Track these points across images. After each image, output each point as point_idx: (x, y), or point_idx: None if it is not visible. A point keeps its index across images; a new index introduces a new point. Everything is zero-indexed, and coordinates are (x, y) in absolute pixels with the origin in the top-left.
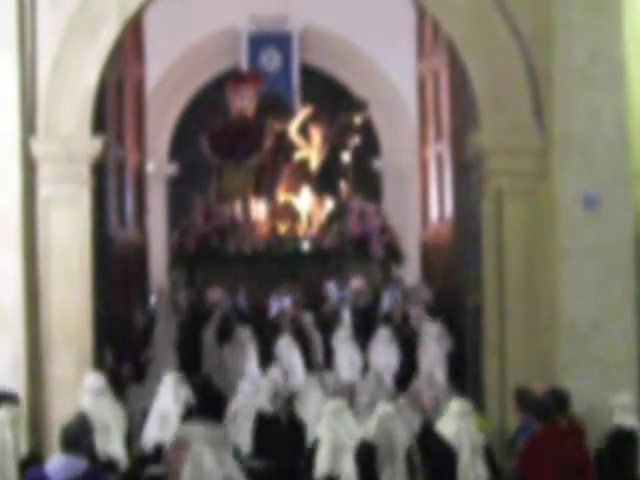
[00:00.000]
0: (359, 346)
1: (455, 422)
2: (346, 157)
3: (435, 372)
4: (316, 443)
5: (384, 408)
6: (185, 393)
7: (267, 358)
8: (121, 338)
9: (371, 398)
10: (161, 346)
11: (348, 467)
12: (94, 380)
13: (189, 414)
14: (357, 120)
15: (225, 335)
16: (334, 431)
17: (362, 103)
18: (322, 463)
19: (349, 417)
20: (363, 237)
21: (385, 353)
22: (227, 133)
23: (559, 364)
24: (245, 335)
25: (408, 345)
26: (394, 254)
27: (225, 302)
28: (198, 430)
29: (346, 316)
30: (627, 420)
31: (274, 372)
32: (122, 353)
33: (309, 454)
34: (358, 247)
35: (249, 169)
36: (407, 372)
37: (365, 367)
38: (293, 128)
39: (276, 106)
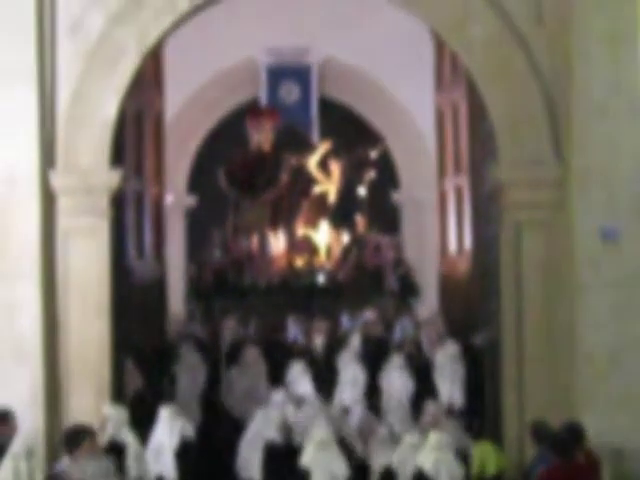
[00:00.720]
0: (368, 372)
1: (433, 454)
2: (362, 191)
3: (454, 394)
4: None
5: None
6: (180, 426)
7: (277, 381)
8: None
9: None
10: (185, 399)
11: None
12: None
13: (185, 446)
14: (373, 155)
15: (234, 359)
16: (320, 463)
17: (379, 137)
18: None
19: (334, 448)
20: (378, 270)
21: (400, 378)
22: (245, 167)
23: (578, 398)
24: (253, 354)
25: (422, 373)
26: (409, 287)
27: (235, 329)
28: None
29: (355, 342)
30: None
31: (279, 396)
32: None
33: None
34: (373, 280)
35: (266, 203)
36: (423, 398)
37: (375, 392)
38: (313, 162)
39: (293, 140)
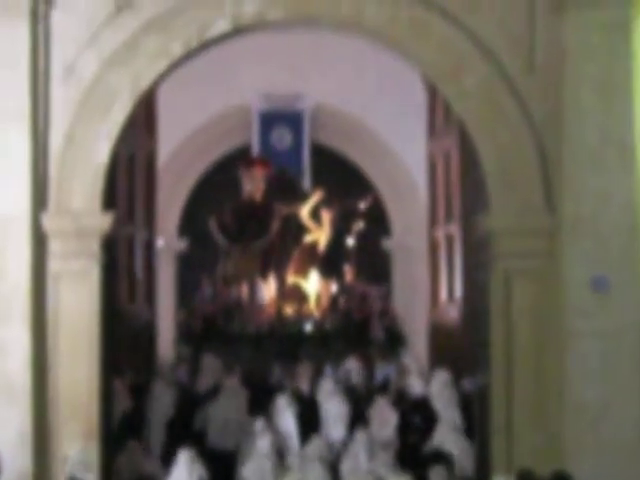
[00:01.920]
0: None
1: None
2: (351, 241)
3: (455, 418)
4: None
5: None
6: (198, 469)
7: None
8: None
9: None
10: (153, 425)
11: None
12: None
13: None
14: (362, 206)
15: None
16: None
17: (370, 185)
18: None
19: None
20: (365, 320)
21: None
22: (236, 217)
23: (567, 446)
24: (233, 383)
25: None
26: (394, 337)
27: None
28: None
29: (328, 372)
30: None
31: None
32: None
33: None
34: (360, 329)
35: (256, 252)
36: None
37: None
38: (305, 211)
39: (285, 188)
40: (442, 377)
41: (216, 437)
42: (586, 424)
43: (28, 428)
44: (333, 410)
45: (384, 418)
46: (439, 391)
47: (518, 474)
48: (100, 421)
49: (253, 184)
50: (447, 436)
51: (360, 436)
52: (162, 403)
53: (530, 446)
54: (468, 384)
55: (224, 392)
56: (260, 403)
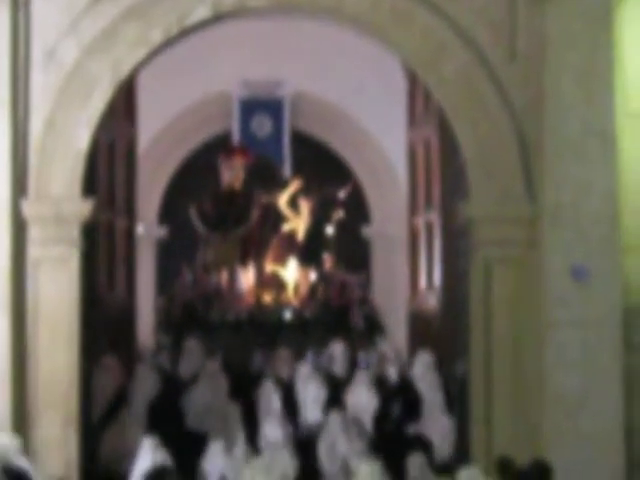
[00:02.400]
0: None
1: None
2: (330, 230)
3: (436, 401)
4: None
5: None
6: (161, 457)
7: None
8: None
9: None
10: (136, 406)
11: None
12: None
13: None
14: (341, 195)
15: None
16: None
17: (350, 173)
18: None
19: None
20: (344, 308)
21: (366, 394)
22: (215, 205)
23: (546, 435)
24: (213, 367)
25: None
26: (374, 325)
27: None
28: None
29: (309, 356)
30: None
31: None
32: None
33: None
34: (339, 318)
35: (236, 240)
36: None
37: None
38: (283, 200)
39: (264, 176)
40: (424, 359)
41: (195, 420)
42: (565, 413)
43: (7, 415)
44: (311, 393)
45: (361, 400)
46: (422, 374)
47: (497, 462)
48: (79, 408)
49: (233, 173)
50: (430, 419)
51: (335, 417)
52: (145, 386)
53: (509, 435)
54: (458, 370)
55: (204, 376)
56: (240, 389)
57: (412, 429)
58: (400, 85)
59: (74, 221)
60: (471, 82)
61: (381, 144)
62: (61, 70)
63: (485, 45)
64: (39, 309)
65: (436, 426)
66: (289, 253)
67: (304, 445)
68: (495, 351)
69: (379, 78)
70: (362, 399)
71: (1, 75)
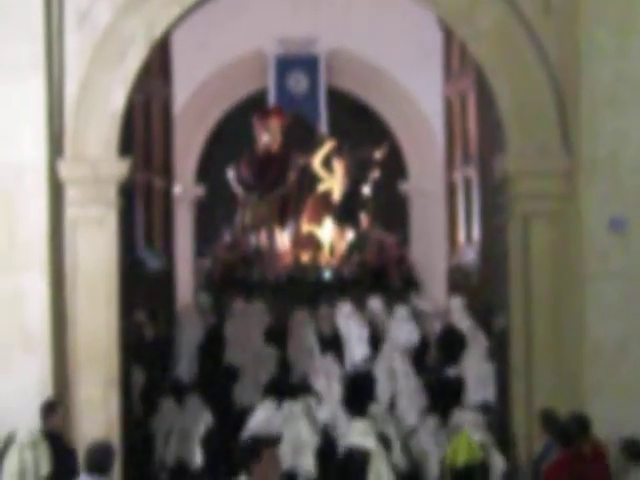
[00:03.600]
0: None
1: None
2: (366, 190)
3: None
4: None
5: None
6: (206, 417)
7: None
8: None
9: None
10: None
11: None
12: None
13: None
14: (377, 155)
15: None
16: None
17: (386, 132)
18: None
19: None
20: (381, 268)
21: (405, 329)
22: (253, 168)
23: (586, 387)
24: (239, 306)
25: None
26: (411, 284)
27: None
28: None
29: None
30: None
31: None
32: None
33: None
34: (376, 277)
35: (273, 201)
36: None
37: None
38: (317, 161)
39: (301, 138)
40: (456, 302)
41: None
42: (605, 365)
43: (48, 376)
44: (354, 332)
45: (403, 333)
46: (460, 316)
47: (541, 414)
48: (120, 368)
49: (269, 135)
50: (472, 359)
51: (384, 347)
52: (192, 330)
53: (549, 387)
54: (496, 325)
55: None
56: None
57: (452, 372)
58: (435, 40)
59: (111, 181)
60: (506, 35)
61: (417, 99)
62: (95, 31)
63: None
64: (77, 270)
65: (475, 370)
66: (325, 213)
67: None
68: (534, 304)
69: (414, 33)
70: (403, 332)
71: (36, 38)
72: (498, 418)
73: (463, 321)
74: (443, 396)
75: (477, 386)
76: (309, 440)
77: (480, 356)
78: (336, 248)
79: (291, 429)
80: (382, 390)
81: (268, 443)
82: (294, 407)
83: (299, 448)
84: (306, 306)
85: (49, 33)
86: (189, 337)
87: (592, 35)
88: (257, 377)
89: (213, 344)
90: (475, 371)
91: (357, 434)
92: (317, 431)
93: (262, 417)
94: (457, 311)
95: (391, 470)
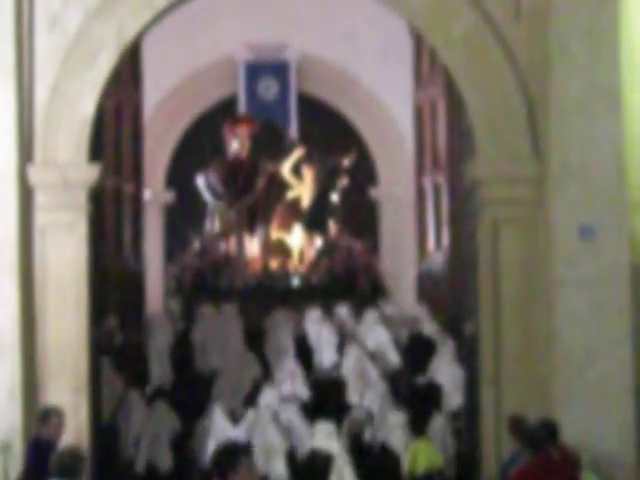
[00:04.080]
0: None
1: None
2: (335, 197)
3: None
4: None
5: None
6: (173, 421)
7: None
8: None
9: None
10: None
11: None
12: None
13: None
14: (346, 162)
15: None
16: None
17: (355, 138)
18: None
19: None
20: (350, 274)
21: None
22: (222, 175)
23: (555, 393)
24: (231, 309)
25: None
26: (379, 291)
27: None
28: None
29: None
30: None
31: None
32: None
33: None
34: (345, 284)
35: (242, 208)
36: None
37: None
38: (286, 168)
39: (270, 146)
40: (422, 310)
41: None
42: (574, 372)
43: (17, 383)
44: (324, 336)
45: (374, 331)
46: (427, 323)
47: (509, 421)
48: (89, 374)
49: (239, 142)
50: (442, 365)
51: (353, 349)
52: (163, 336)
53: (518, 394)
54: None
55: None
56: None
57: (422, 380)
58: (406, 46)
59: (81, 187)
60: (477, 42)
61: (387, 105)
62: (65, 35)
63: (490, 4)
64: (47, 275)
65: (448, 375)
66: (294, 220)
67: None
68: (503, 311)
69: (385, 40)
70: (372, 336)
71: (5, 42)
72: (467, 424)
73: (430, 328)
74: (420, 403)
75: (453, 391)
76: (279, 445)
77: (450, 361)
78: (305, 255)
79: (260, 435)
80: (352, 391)
81: (246, 452)
82: (261, 413)
83: (269, 454)
84: (284, 307)
85: (19, 36)
86: (159, 343)
87: (562, 41)
88: (239, 382)
89: (182, 350)
90: (449, 376)
91: (320, 437)
92: (286, 436)
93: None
94: (424, 318)
95: (354, 473)
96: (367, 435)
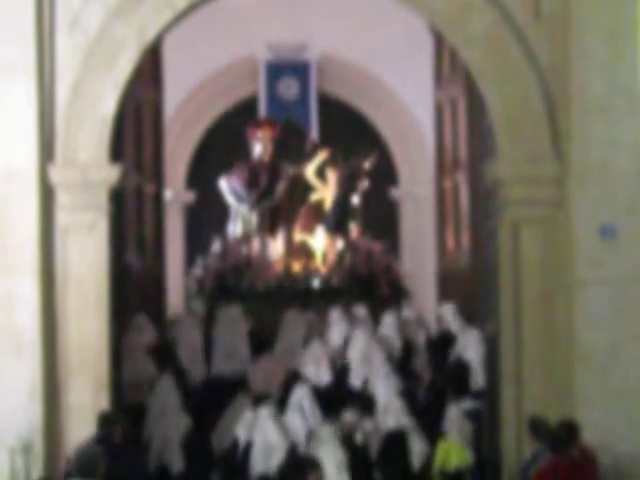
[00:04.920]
0: None
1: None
2: (355, 200)
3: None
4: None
5: None
6: (185, 421)
7: None
8: None
9: None
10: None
11: None
12: None
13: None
14: (367, 165)
15: None
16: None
17: (375, 138)
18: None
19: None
20: (370, 276)
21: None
22: (244, 178)
23: (576, 394)
24: (235, 311)
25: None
26: (399, 292)
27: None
28: None
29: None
30: None
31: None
32: None
33: None
34: (365, 285)
35: (265, 211)
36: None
37: None
38: (310, 170)
39: (292, 149)
40: (448, 308)
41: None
42: (594, 372)
43: (38, 381)
44: (337, 329)
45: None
46: (451, 322)
47: (529, 421)
48: (110, 373)
49: (262, 146)
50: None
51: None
52: (192, 336)
53: (539, 393)
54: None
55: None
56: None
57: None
58: (426, 45)
59: (102, 187)
60: (497, 41)
61: (408, 104)
62: (86, 35)
63: (511, 4)
64: (68, 275)
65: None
66: (317, 222)
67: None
68: (524, 310)
69: (405, 39)
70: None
71: (26, 41)
72: (488, 424)
73: (455, 325)
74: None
75: (480, 369)
76: (279, 444)
77: (477, 342)
78: (327, 256)
79: (260, 433)
80: (356, 376)
81: (313, 466)
82: (261, 411)
83: (269, 452)
84: (297, 307)
85: (40, 36)
86: (190, 342)
87: (583, 41)
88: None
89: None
90: (477, 355)
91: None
92: (285, 434)
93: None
94: (449, 317)
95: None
96: (359, 437)
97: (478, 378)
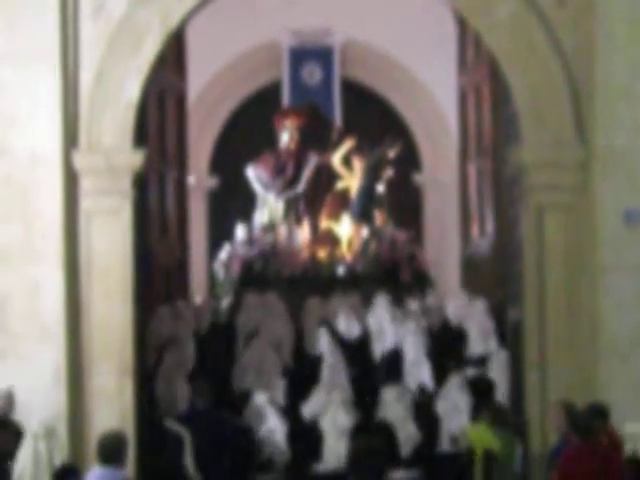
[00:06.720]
0: None
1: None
2: (380, 188)
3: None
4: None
5: None
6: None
7: None
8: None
9: None
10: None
11: None
12: None
13: None
14: (391, 154)
15: None
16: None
17: (398, 125)
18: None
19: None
20: (393, 263)
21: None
22: (272, 166)
23: (600, 379)
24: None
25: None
26: (422, 280)
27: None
28: None
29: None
30: None
31: None
32: None
33: None
34: (389, 273)
35: (291, 199)
36: None
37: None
38: (337, 159)
39: (317, 137)
40: (480, 306)
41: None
42: (618, 357)
43: (62, 367)
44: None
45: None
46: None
47: (563, 407)
48: (134, 358)
49: (288, 134)
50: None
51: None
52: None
53: (563, 380)
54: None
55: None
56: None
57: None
58: (450, 31)
59: (125, 172)
60: (521, 27)
61: (432, 90)
62: (110, 21)
63: None
64: (92, 261)
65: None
66: (343, 210)
67: None
68: (548, 296)
69: (429, 25)
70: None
71: (50, 28)
72: (513, 410)
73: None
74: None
75: (479, 338)
76: (279, 428)
77: (481, 312)
78: (352, 244)
79: (260, 421)
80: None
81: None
82: (258, 397)
83: (272, 437)
84: (318, 295)
85: (64, 22)
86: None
87: (607, 26)
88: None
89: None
90: (477, 325)
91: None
92: (283, 418)
93: None
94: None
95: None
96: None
97: (476, 346)
